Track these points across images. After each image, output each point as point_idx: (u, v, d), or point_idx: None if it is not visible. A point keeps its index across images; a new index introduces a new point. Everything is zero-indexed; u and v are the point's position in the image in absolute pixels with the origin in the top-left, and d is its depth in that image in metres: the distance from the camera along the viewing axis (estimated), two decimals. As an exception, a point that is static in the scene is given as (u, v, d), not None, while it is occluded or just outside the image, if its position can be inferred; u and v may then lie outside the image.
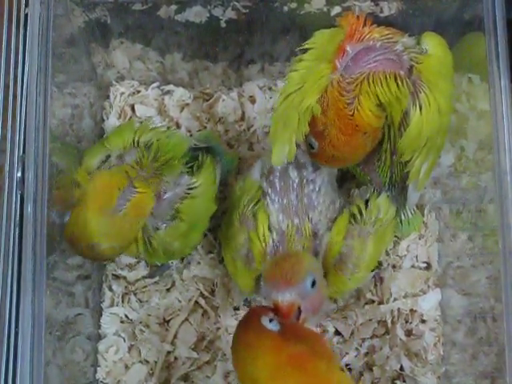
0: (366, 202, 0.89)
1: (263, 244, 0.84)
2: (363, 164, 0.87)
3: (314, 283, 0.77)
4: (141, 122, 0.87)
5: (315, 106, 0.77)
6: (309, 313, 0.77)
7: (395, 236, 0.97)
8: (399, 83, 0.75)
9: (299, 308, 0.75)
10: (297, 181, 0.86)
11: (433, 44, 0.78)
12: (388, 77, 0.75)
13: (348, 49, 0.76)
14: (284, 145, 0.79)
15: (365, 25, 0.78)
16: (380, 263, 0.97)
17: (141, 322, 0.97)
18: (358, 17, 0.78)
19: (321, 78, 0.77)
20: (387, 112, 0.78)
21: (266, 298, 0.78)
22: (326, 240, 0.85)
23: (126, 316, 0.97)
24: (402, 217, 0.94)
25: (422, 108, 0.76)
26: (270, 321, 0.69)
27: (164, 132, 0.88)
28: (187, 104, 1.05)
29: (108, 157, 0.85)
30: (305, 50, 0.78)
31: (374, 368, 0.95)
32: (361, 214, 0.86)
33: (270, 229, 0.85)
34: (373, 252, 0.86)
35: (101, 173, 0.82)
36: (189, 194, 0.83)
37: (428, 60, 0.77)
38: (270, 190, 0.86)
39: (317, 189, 0.86)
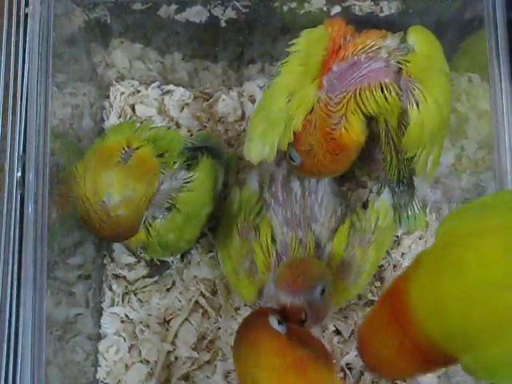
0: (364, 204, 0.89)
1: (267, 256, 0.84)
2: (369, 164, 0.87)
3: (323, 292, 0.77)
4: (141, 122, 0.87)
5: (300, 124, 0.78)
6: (312, 321, 0.77)
7: (396, 236, 0.97)
8: (386, 94, 0.76)
9: (305, 314, 0.75)
10: (299, 192, 0.86)
11: (418, 40, 0.77)
12: (374, 90, 0.76)
13: (334, 68, 0.77)
14: (265, 144, 0.79)
15: (347, 32, 0.78)
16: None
17: (141, 322, 0.97)
18: (340, 25, 0.78)
19: (308, 98, 0.77)
20: (380, 119, 0.78)
21: (274, 298, 0.78)
22: (328, 250, 0.85)
23: (127, 316, 0.97)
24: (409, 212, 0.94)
25: (419, 104, 0.76)
26: (279, 323, 0.69)
27: (163, 130, 0.88)
28: (187, 104, 1.05)
29: None
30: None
31: (374, 367, 0.95)
32: (360, 222, 0.86)
33: (273, 240, 0.85)
34: (374, 259, 0.86)
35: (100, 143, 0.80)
36: (185, 186, 0.83)
37: (415, 59, 0.76)
38: (272, 202, 0.86)
39: (319, 200, 0.86)
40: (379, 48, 0.77)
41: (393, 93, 0.76)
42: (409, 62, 0.76)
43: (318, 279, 0.78)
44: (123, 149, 0.78)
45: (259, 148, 0.79)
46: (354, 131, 0.77)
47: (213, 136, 1.00)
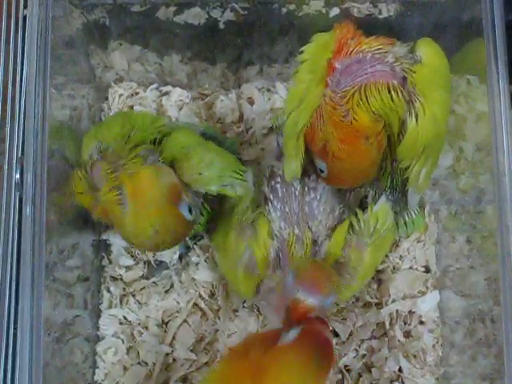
0: (361, 202, 0.89)
1: (264, 251, 0.84)
2: None
3: (331, 303, 0.78)
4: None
5: (307, 124, 0.77)
6: None
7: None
8: (393, 94, 0.74)
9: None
10: (299, 188, 0.86)
11: (427, 52, 0.76)
12: (380, 88, 0.74)
13: (337, 65, 0.76)
14: (291, 161, 0.81)
15: (355, 35, 0.77)
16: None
17: (139, 324, 0.97)
18: (349, 28, 0.77)
19: (314, 101, 0.76)
20: (385, 120, 0.78)
21: (289, 289, 0.77)
22: (324, 249, 0.85)
23: (125, 318, 0.97)
24: (406, 218, 0.94)
25: (418, 117, 0.75)
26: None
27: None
28: (185, 105, 1.05)
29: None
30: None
31: (372, 369, 0.95)
32: (359, 224, 0.85)
33: (270, 236, 0.85)
34: (370, 262, 0.86)
35: None
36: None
37: (421, 70, 0.75)
38: (271, 196, 0.86)
39: (318, 197, 0.86)
40: (386, 52, 0.76)
41: (400, 94, 0.75)
42: (415, 72, 0.74)
43: (334, 290, 0.78)
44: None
45: (290, 167, 0.82)
46: (363, 120, 0.75)
47: (210, 127, 1.00)
